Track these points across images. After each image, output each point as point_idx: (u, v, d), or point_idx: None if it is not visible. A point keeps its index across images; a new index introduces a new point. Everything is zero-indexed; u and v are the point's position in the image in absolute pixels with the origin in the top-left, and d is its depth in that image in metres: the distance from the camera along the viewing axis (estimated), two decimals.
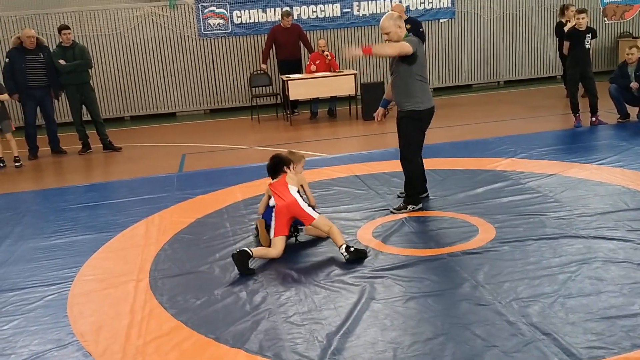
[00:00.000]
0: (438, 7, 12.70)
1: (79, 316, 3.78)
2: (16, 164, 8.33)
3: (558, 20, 10.96)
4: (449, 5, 12.69)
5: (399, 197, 5.50)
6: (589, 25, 8.31)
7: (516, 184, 5.75)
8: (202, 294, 3.94)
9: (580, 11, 8.23)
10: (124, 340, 3.44)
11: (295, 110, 10.97)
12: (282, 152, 4.93)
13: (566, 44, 8.37)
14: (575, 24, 8.20)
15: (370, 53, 4.76)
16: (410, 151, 5.18)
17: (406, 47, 4.83)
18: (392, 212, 5.13)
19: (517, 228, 4.64)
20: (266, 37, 11.22)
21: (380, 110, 5.55)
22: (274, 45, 10.97)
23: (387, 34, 4.94)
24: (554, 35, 11.37)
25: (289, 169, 4.75)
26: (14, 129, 8.59)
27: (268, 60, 11.14)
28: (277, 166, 4.72)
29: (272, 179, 4.71)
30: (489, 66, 13.17)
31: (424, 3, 12.62)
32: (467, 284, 3.77)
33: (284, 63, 10.96)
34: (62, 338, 3.52)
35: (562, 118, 9.00)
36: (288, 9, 11.59)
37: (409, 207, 5.15)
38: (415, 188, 5.26)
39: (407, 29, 10.40)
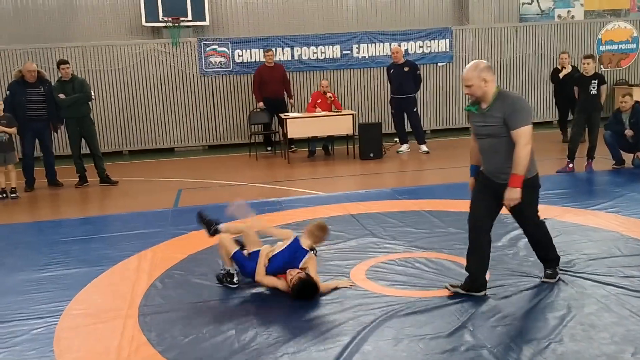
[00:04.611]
0: (436, 51, 12.92)
1: (66, 351, 3.73)
2: (12, 195, 8.34)
3: (554, 67, 11.13)
4: (447, 49, 12.92)
5: (448, 289, 4.33)
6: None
7: (510, 227, 5.72)
8: (191, 332, 3.89)
9: (586, 57, 8.29)
10: None
11: (292, 147, 11.05)
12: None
13: (576, 89, 8.45)
14: (583, 70, 8.29)
15: (520, 181, 3.97)
16: (537, 218, 4.33)
17: (528, 135, 3.95)
18: (547, 281, 4.39)
19: (510, 271, 4.62)
20: None
21: (472, 181, 4.44)
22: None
23: (468, 86, 4.05)
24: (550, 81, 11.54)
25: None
26: (17, 160, 8.63)
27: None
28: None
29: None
30: None
31: (422, 47, 12.84)
32: (458, 327, 3.73)
33: (267, 101, 11.14)
34: None
35: (557, 163, 9.03)
36: (272, 50, 11.64)
37: (557, 269, 4.46)
38: (553, 248, 4.46)
39: (405, 71, 10.63)
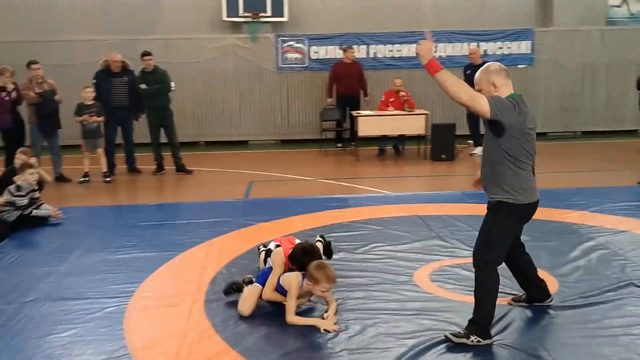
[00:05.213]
0: (517, 52, 12.56)
1: (134, 331, 3.90)
2: (106, 178, 8.69)
3: None
4: (529, 51, 12.53)
5: (511, 303, 4.11)
6: None
7: (585, 238, 5.53)
8: (253, 320, 3.98)
9: None
10: (174, 359, 3.52)
11: (353, 144, 11.06)
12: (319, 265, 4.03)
13: None
14: None
15: (432, 73, 3.35)
16: (485, 256, 3.64)
17: (481, 102, 3.38)
18: (446, 337, 3.63)
19: (580, 284, 4.46)
20: None
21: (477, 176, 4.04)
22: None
23: (478, 90, 3.60)
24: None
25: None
26: (103, 146, 9.02)
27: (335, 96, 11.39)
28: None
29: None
30: (566, 115, 12.82)
31: (502, 48, 12.51)
32: (523, 339, 3.64)
33: (341, 97, 11.26)
34: (115, 350, 3.64)
35: (639, 174, 8.63)
36: (354, 48, 11.73)
37: (472, 337, 3.57)
38: (483, 311, 3.63)
39: None
